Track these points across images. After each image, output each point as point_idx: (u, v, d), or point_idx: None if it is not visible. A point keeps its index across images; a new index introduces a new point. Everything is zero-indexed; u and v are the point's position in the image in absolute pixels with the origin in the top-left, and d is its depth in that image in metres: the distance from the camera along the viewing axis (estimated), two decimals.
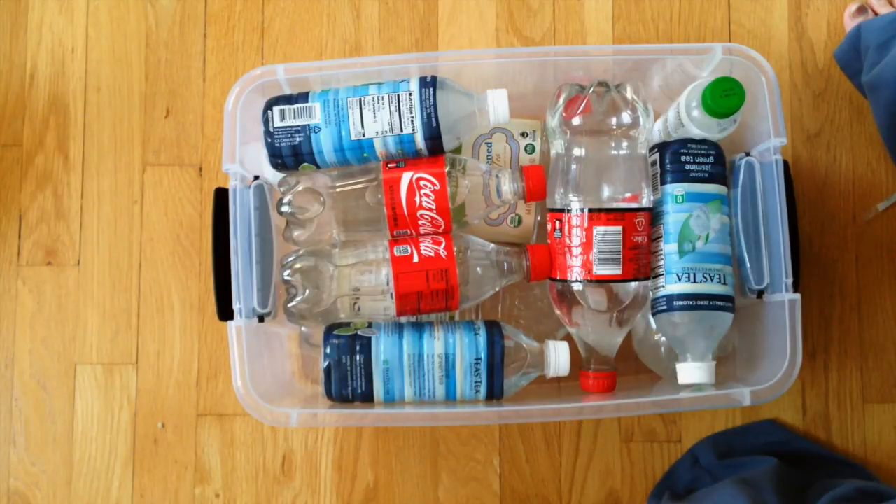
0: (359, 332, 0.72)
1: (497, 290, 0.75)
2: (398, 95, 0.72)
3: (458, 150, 0.78)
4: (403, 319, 0.77)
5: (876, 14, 0.91)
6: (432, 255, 0.72)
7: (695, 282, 0.72)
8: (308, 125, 0.72)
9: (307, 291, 0.72)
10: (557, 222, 0.73)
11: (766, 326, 0.75)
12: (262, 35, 0.96)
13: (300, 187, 0.73)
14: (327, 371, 0.71)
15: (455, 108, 0.72)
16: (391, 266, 0.72)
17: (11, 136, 0.95)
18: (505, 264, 0.74)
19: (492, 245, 0.75)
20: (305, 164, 0.74)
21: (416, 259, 0.72)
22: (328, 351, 0.71)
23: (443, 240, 0.73)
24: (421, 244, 0.73)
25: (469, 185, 0.72)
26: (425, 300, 0.72)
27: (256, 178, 0.76)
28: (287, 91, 0.76)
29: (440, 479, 0.90)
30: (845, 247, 0.92)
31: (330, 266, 0.73)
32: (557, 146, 0.74)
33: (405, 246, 0.73)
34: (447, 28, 0.95)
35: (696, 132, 0.75)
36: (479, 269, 0.73)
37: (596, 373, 0.75)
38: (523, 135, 0.79)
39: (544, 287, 0.80)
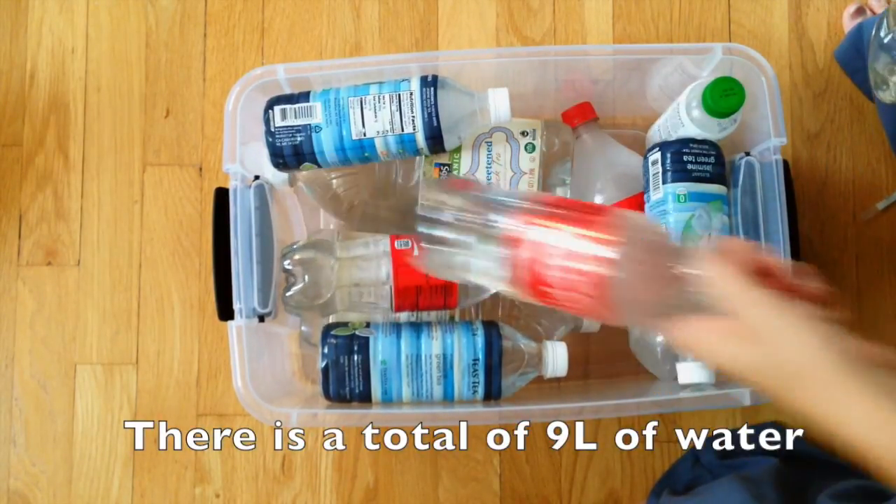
0: (357, 333, 0.72)
1: (496, 290, 0.75)
2: (399, 95, 0.72)
3: (457, 149, 0.78)
4: (403, 319, 0.77)
5: (874, 14, 0.91)
6: None
7: None
8: (309, 125, 0.72)
9: (306, 282, 0.72)
10: None
11: None
12: (262, 35, 0.96)
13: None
14: (325, 371, 0.71)
15: (456, 108, 0.72)
16: (391, 259, 0.72)
17: (11, 136, 0.95)
18: None
19: None
20: (307, 163, 0.74)
21: (416, 252, 0.72)
22: (326, 351, 0.71)
23: None
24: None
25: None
26: (424, 295, 0.72)
27: (257, 177, 0.76)
28: (287, 91, 0.76)
29: (440, 478, 0.90)
30: (845, 247, 0.92)
31: (331, 259, 0.72)
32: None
33: (406, 240, 0.73)
34: (447, 28, 0.95)
35: (696, 132, 0.75)
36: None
37: None
38: (523, 134, 0.79)
39: None
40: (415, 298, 0.72)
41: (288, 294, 0.72)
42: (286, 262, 0.73)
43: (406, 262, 0.72)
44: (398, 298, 0.72)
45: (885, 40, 0.69)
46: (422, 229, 0.64)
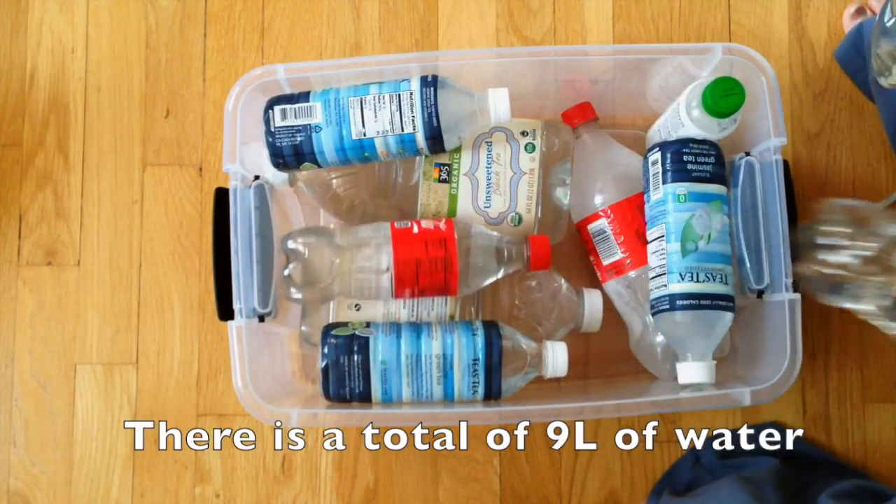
0: (356, 333, 0.72)
1: (497, 277, 0.75)
2: (399, 95, 0.72)
3: (457, 149, 0.78)
4: (403, 318, 0.77)
5: (874, 14, 0.91)
6: (432, 227, 0.73)
7: (698, 281, 0.72)
8: (309, 125, 0.72)
9: (307, 263, 0.72)
10: None
11: (766, 326, 0.75)
12: (262, 35, 0.96)
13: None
14: (325, 371, 0.71)
15: (456, 108, 0.72)
16: (391, 238, 0.72)
17: (11, 136, 0.95)
18: (505, 250, 0.74)
19: (493, 231, 0.75)
20: (307, 163, 0.74)
21: (415, 230, 0.73)
22: (326, 351, 0.71)
23: (443, 219, 0.74)
24: (422, 221, 0.74)
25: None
26: (424, 270, 0.72)
27: (257, 177, 0.76)
28: (287, 91, 0.76)
29: (440, 478, 0.90)
30: None
31: (331, 244, 0.73)
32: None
33: (405, 221, 0.74)
34: (447, 28, 0.95)
35: (696, 132, 0.75)
36: (479, 247, 0.74)
37: None
38: (523, 134, 0.79)
39: (544, 287, 0.81)
40: (415, 273, 0.72)
41: (286, 274, 0.72)
42: (288, 243, 0.73)
43: (405, 238, 0.72)
44: (398, 272, 0.72)
45: (889, 24, 0.69)
46: (822, 256, 0.64)
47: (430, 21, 0.95)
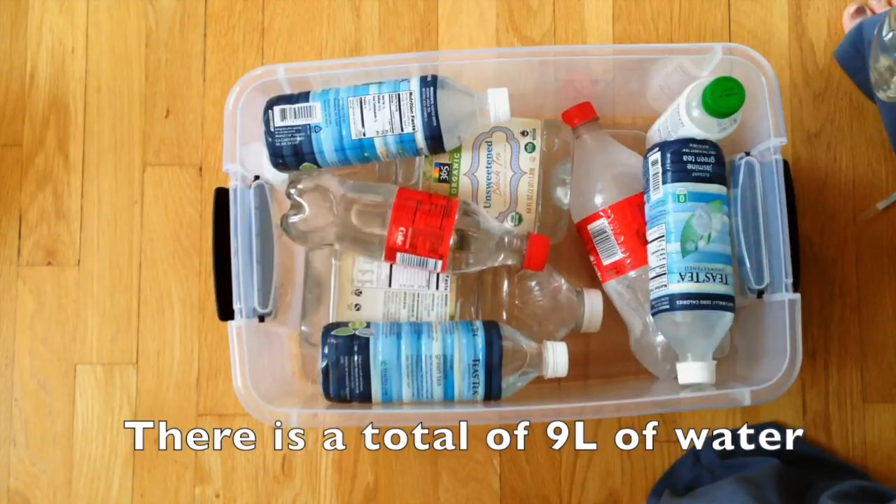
0: (357, 333, 0.72)
1: (491, 264, 0.75)
2: (398, 95, 0.72)
3: (457, 149, 0.78)
4: (403, 315, 0.77)
5: (874, 14, 0.91)
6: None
7: (698, 281, 0.72)
8: (309, 125, 0.72)
9: (310, 211, 0.72)
10: None
11: (766, 326, 0.75)
12: (262, 35, 0.96)
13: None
14: (325, 371, 0.71)
15: (456, 108, 0.72)
16: (396, 190, 0.74)
17: (11, 136, 0.95)
18: (506, 238, 0.74)
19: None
20: (306, 163, 0.74)
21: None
22: (326, 351, 0.71)
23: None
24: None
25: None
26: (422, 210, 0.72)
27: (257, 178, 0.76)
28: (287, 91, 0.76)
29: (440, 478, 0.90)
30: (845, 247, 0.92)
31: (334, 193, 0.73)
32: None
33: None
34: (447, 28, 0.95)
35: (696, 132, 0.75)
36: (481, 226, 0.74)
37: None
38: (523, 133, 0.79)
39: (544, 287, 0.80)
40: (413, 210, 0.72)
41: (291, 221, 0.73)
42: (291, 189, 0.73)
43: (410, 189, 0.75)
44: (398, 203, 0.72)
45: (887, 39, 0.69)
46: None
47: (430, 21, 0.95)
